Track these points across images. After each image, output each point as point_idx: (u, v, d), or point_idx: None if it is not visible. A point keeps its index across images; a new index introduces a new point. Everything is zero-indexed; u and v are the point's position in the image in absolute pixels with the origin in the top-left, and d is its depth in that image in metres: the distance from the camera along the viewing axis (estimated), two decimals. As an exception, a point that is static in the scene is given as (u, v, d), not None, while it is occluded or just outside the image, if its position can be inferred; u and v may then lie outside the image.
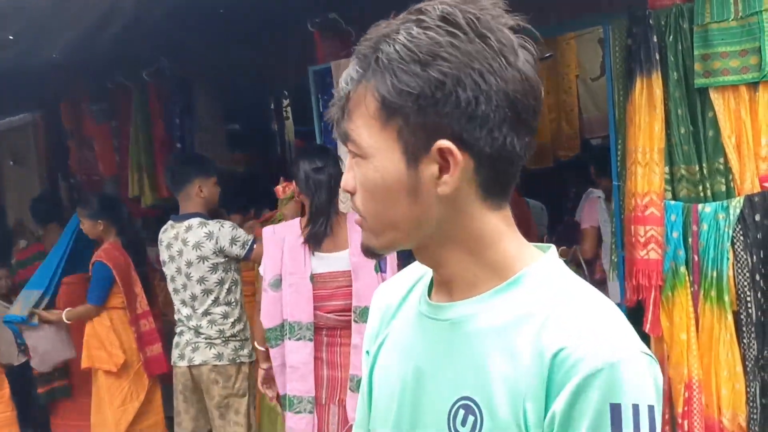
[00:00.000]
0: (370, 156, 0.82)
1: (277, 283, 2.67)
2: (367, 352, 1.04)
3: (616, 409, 0.73)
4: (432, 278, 0.94)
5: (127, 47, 3.78)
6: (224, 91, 4.67)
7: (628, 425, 0.73)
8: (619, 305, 3.26)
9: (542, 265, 0.86)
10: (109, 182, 4.95)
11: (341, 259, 2.65)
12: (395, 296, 1.01)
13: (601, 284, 3.78)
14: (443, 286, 0.90)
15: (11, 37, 3.01)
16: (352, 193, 0.86)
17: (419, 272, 1.00)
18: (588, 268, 3.84)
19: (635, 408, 0.73)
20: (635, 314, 2.89)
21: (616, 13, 2.90)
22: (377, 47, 0.80)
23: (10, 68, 3.53)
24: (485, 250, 0.86)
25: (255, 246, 3.19)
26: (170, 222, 3.33)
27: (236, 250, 3.17)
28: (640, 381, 0.74)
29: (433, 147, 0.79)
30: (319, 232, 2.63)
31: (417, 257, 0.91)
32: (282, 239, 2.68)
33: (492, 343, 0.82)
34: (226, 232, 3.18)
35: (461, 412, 0.82)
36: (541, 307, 0.81)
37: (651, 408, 0.74)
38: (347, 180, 0.86)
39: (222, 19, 3.59)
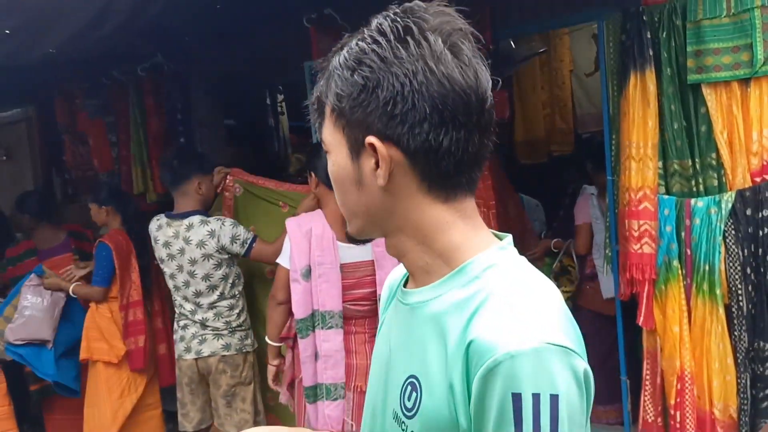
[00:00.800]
0: (331, 152, 0.95)
1: (308, 273, 2.70)
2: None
3: (516, 398, 0.77)
4: None
5: (123, 42, 3.77)
6: (220, 87, 4.67)
7: (527, 414, 0.76)
8: (613, 299, 3.31)
9: (489, 254, 0.91)
10: (104, 178, 4.93)
11: (365, 248, 2.69)
12: (393, 284, 1.12)
13: (592, 279, 3.82)
14: (411, 275, 1.00)
15: (7, 32, 3.00)
16: None
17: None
18: (580, 263, 3.88)
19: (535, 397, 0.76)
20: (629, 307, 2.94)
21: (610, 9, 2.92)
22: (330, 58, 0.92)
23: (4, 63, 3.52)
24: (432, 241, 0.93)
25: (255, 244, 3.20)
26: (165, 219, 3.30)
27: (236, 248, 3.18)
28: (542, 371, 0.77)
29: (365, 142, 0.89)
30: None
31: (386, 247, 1.00)
32: (309, 230, 2.71)
33: (433, 327, 0.90)
34: (227, 230, 3.18)
35: (408, 388, 0.92)
36: (476, 295, 0.87)
37: (554, 397, 0.76)
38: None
39: (218, 14, 3.58)
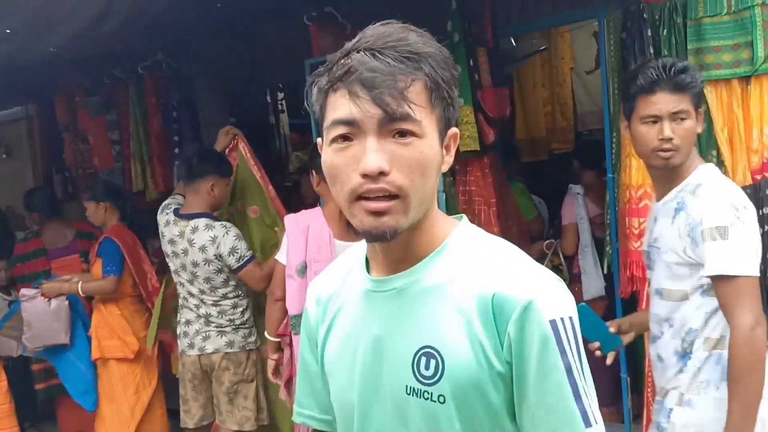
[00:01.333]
0: (425, 135, 0.96)
1: (304, 270, 2.70)
2: (311, 340, 1.21)
3: (552, 323, 0.95)
4: (365, 263, 1.11)
5: (124, 41, 3.77)
6: (221, 84, 4.67)
7: (564, 330, 0.96)
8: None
9: (460, 231, 1.07)
10: (104, 176, 4.93)
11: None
12: (329, 288, 1.18)
13: (579, 279, 3.76)
14: (389, 264, 1.05)
15: (8, 32, 3.01)
16: (387, 173, 0.93)
17: (345, 266, 1.18)
18: (567, 263, 3.83)
19: (562, 320, 0.96)
20: (630, 305, 2.94)
21: (610, 6, 2.92)
22: (417, 45, 0.96)
23: (5, 61, 3.52)
24: (431, 222, 1.05)
25: (248, 265, 3.15)
26: (173, 217, 3.28)
27: (231, 261, 3.14)
28: (560, 300, 0.98)
29: (449, 132, 1.02)
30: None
31: (389, 240, 0.99)
32: (306, 227, 2.71)
33: (435, 298, 1.01)
34: (229, 240, 3.14)
35: (423, 359, 1.00)
36: (468, 263, 1.02)
37: (571, 318, 0.98)
38: (380, 160, 0.93)
39: (218, 12, 3.59)
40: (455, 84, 1.00)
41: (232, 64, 4.48)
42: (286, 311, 2.83)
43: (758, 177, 2.51)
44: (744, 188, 2.51)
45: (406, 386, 1.01)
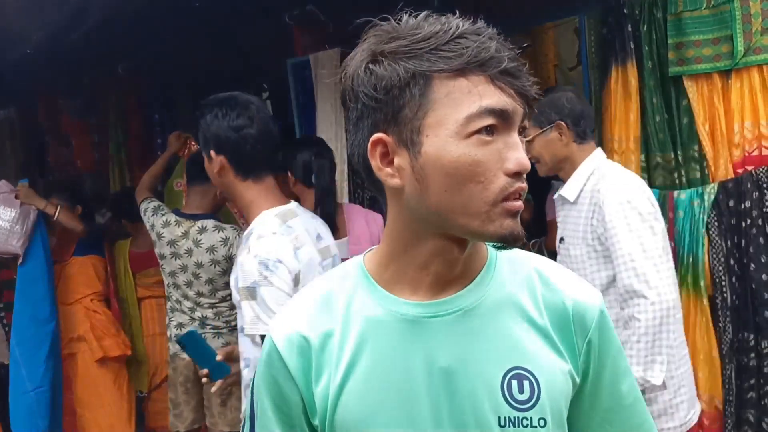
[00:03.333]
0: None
1: None
2: (290, 406, 0.93)
3: (610, 322, 0.97)
4: (373, 291, 0.92)
5: (104, 42, 3.73)
6: (203, 86, 4.64)
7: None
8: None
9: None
10: (88, 178, 4.89)
11: (340, 247, 2.67)
12: (320, 327, 0.93)
13: None
14: (443, 282, 0.91)
15: (-17, 33, 2.97)
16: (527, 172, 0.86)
17: (331, 296, 0.95)
18: (552, 258, 3.82)
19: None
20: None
21: (591, 3, 2.92)
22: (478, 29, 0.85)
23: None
24: None
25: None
26: (174, 217, 3.22)
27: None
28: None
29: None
30: (331, 212, 2.65)
31: (462, 252, 0.90)
32: None
33: (509, 313, 0.92)
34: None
35: (514, 383, 0.89)
36: (521, 271, 0.95)
37: None
38: (527, 158, 0.85)
39: (198, 12, 3.55)
40: None
41: (213, 64, 4.44)
42: None
43: (740, 171, 2.52)
44: (727, 182, 2.52)
45: (500, 417, 0.88)
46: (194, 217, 3.18)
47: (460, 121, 0.82)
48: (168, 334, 3.36)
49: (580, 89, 3.52)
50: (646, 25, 2.64)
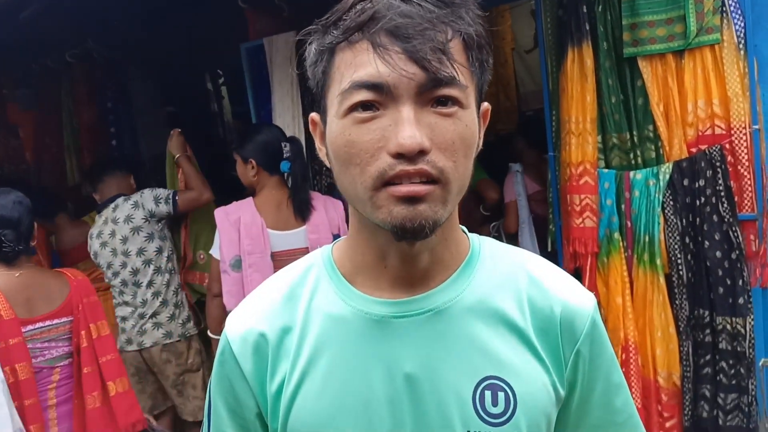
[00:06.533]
0: (469, 106, 0.75)
1: (238, 264, 2.64)
2: (243, 407, 0.87)
3: (605, 335, 0.89)
4: (341, 281, 0.85)
5: (50, 29, 3.61)
6: (157, 72, 4.53)
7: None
8: None
9: (475, 235, 0.90)
10: (37, 171, 4.73)
11: (299, 235, 2.64)
12: (277, 323, 0.86)
13: None
14: (410, 278, 0.82)
15: None
16: (427, 152, 0.71)
17: (292, 291, 0.88)
18: (510, 242, 3.85)
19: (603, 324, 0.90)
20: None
21: (546, -16, 2.91)
22: None
23: None
24: (456, 221, 0.85)
25: (177, 197, 3.22)
26: (97, 215, 3.35)
27: (163, 208, 3.21)
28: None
29: (482, 107, 0.81)
30: (305, 200, 2.65)
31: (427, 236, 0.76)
32: (237, 219, 2.64)
33: (486, 316, 0.82)
34: (147, 195, 3.23)
35: (487, 394, 0.79)
36: (506, 270, 0.86)
37: None
38: (420, 135, 0.70)
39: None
40: (490, 44, 0.78)
41: (166, 50, 4.34)
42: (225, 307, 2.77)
43: (694, 150, 2.55)
44: (681, 161, 2.55)
45: None
46: (107, 203, 3.29)
47: (338, 98, 0.74)
48: (119, 328, 3.35)
49: (539, 72, 3.55)
50: (601, 6, 2.64)
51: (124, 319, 3.28)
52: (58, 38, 3.97)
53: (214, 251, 2.73)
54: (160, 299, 3.24)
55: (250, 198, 2.73)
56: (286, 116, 3.25)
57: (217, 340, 2.87)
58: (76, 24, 3.71)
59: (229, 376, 0.87)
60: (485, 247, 0.87)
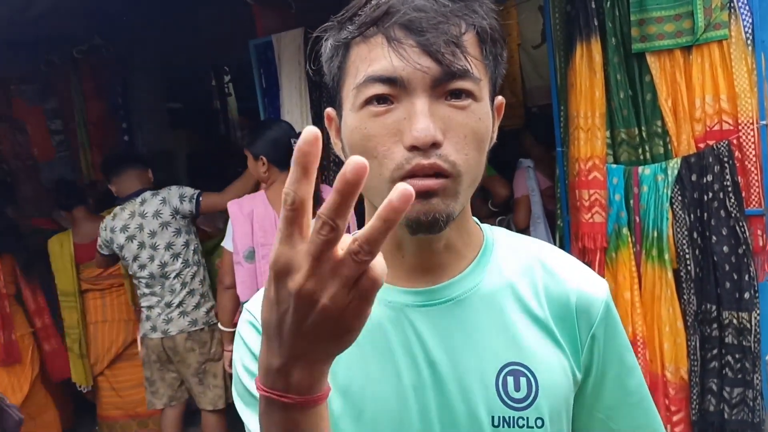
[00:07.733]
0: (482, 99, 0.76)
1: (251, 255, 2.67)
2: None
3: (617, 315, 0.90)
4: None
5: (59, 26, 3.62)
6: (163, 69, 4.54)
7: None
8: None
9: (487, 226, 0.91)
10: (45, 167, 4.75)
11: None
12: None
13: None
14: (426, 269, 0.83)
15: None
16: (440, 145, 0.72)
17: None
18: None
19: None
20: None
21: (554, -20, 2.92)
22: None
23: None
24: (469, 212, 0.86)
25: (202, 198, 3.26)
26: (117, 207, 3.34)
27: (186, 206, 3.25)
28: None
29: (496, 100, 0.82)
30: (315, 194, 2.65)
31: (442, 230, 0.77)
32: (250, 212, 2.68)
33: (506, 303, 0.84)
34: (174, 192, 3.28)
35: (510, 379, 0.81)
36: (521, 259, 0.88)
37: None
38: (434, 129, 0.71)
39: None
40: (504, 38, 0.79)
41: (173, 46, 4.35)
42: (238, 299, 2.78)
43: (702, 145, 2.56)
44: (689, 157, 2.56)
45: (493, 417, 0.80)
46: (132, 196, 3.32)
47: (353, 92, 0.75)
48: (141, 316, 3.41)
49: (545, 67, 3.56)
50: (609, 2, 2.65)
51: (150, 307, 3.33)
52: (65, 34, 3.98)
53: (227, 243, 2.76)
54: (187, 289, 3.29)
55: (263, 191, 2.76)
56: (295, 112, 3.27)
57: (228, 332, 2.92)
58: (84, 20, 3.72)
59: (243, 358, 0.84)
60: (499, 238, 0.90)
